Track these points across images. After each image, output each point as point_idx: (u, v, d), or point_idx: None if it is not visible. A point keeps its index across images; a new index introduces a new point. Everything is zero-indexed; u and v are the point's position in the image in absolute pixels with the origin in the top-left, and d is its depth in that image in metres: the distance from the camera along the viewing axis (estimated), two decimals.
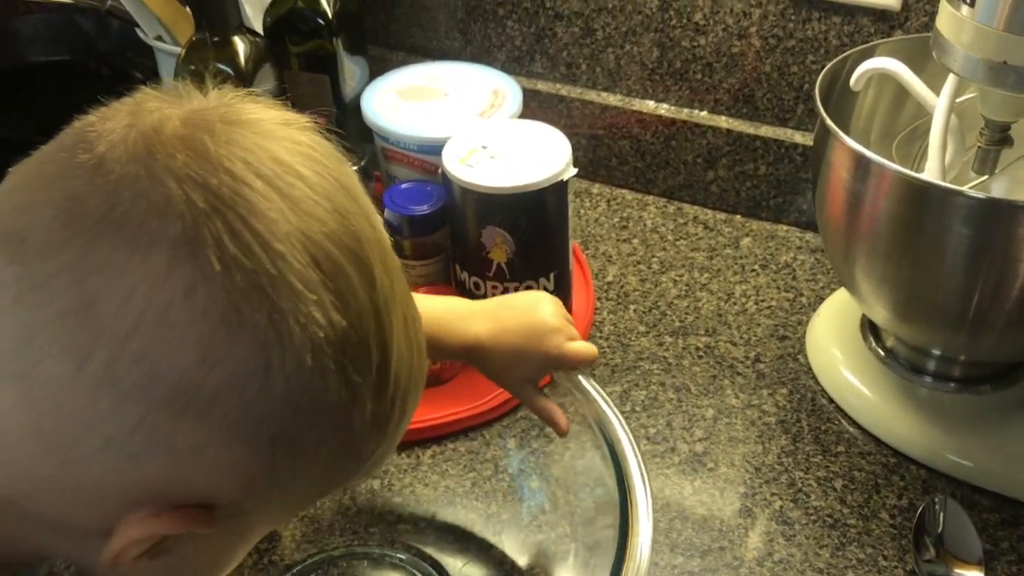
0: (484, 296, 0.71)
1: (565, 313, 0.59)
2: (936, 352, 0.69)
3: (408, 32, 0.97)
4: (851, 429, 0.69)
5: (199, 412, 0.33)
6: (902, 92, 0.65)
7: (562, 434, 0.58)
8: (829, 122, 0.61)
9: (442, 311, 0.56)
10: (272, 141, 0.35)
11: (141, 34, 0.84)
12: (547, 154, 0.68)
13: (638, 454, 0.54)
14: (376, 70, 0.85)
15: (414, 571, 0.60)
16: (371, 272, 0.36)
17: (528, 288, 0.71)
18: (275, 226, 0.33)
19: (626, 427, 0.55)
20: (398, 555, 0.60)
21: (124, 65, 1.03)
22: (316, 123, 0.39)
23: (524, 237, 0.68)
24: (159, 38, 0.82)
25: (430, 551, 0.61)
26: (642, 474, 0.52)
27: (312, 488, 0.40)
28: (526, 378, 0.58)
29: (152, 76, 0.90)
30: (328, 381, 0.34)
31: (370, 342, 0.36)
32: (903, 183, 0.58)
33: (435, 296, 0.59)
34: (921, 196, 0.58)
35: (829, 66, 0.65)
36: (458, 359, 0.61)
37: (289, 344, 0.33)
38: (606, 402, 0.56)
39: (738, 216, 0.89)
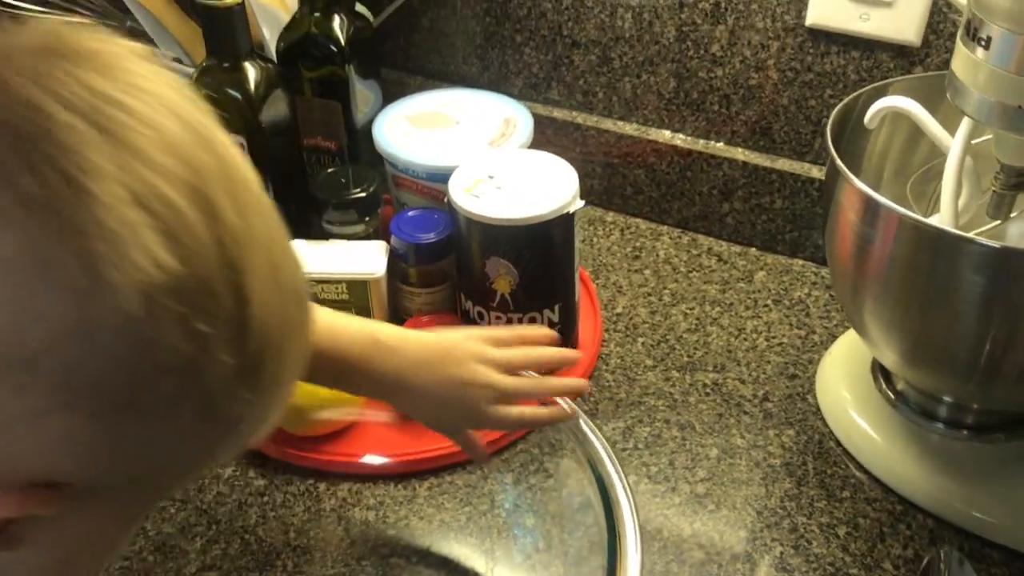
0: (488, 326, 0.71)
1: (500, 356, 0.56)
2: (947, 399, 0.67)
3: (427, 57, 0.97)
4: (858, 474, 0.67)
5: (20, 378, 0.29)
6: (917, 130, 0.64)
7: (483, 461, 0.56)
8: (839, 162, 0.60)
9: (364, 343, 0.53)
10: (99, 73, 0.31)
11: (160, 55, 0.84)
12: (554, 186, 0.68)
13: (630, 496, 0.53)
14: (394, 93, 0.85)
15: None
16: (213, 208, 0.32)
17: (532, 320, 0.70)
18: (85, 162, 0.29)
19: (619, 467, 0.54)
20: None
21: None
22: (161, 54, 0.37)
23: (528, 268, 0.68)
24: (177, 60, 0.83)
25: None
26: (633, 517, 0.51)
27: (181, 459, 0.35)
28: (452, 429, 0.57)
29: None
30: (165, 333, 0.30)
31: (216, 286, 0.32)
32: (912, 228, 0.57)
33: (356, 320, 0.56)
34: (931, 242, 0.57)
35: (842, 104, 0.64)
36: (375, 397, 0.58)
37: (109, 293, 0.29)
38: (599, 440, 0.55)
39: (753, 249, 0.88)
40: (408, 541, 0.63)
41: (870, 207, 0.59)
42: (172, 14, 0.81)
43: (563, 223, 0.67)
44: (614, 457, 0.55)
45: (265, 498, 0.66)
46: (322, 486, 0.67)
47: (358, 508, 0.65)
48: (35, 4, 0.83)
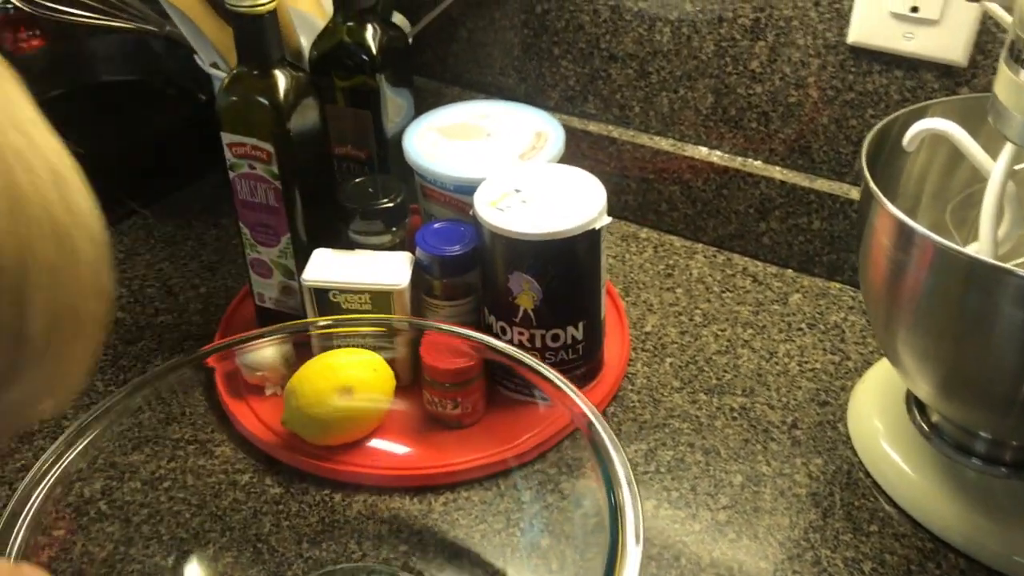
0: (511, 342, 0.70)
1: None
2: (984, 434, 0.64)
3: (464, 68, 0.96)
4: (887, 507, 0.65)
5: None
6: (957, 154, 0.61)
7: None
8: (872, 185, 0.58)
9: None
10: None
11: (199, 60, 0.85)
12: (581, 201, 0.67)
13: (640, 523, 0.51)
14: (431, 103, 0.85)
15: None
16: None
17: (555, 336, 0.69)
18: None
19: (635, 493, 0.53)
20: None
21: (189, 86, 1.05)
22: None
23: (552, 285, 0.67)
24: (215, 65, 0.83)
25: None
26: (637, 550, 0.50)
27: None
28: None
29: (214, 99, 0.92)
30: None
31: None
32: (946, 256, 0.55)
33: None
34: (966, 271, 0.55)
35: (879, 125, 0.62)
36: None
37: None
38: (622, 463, 0.54)
39: (789, 271, 0.86)
40: (420, 556, 0.62)
41: (904, 233, 0.57)
42: (210, 20, 0.81)
43: (589, 239, 0.66)
44: (631, 478, 0.53)
45: (280, 507, 0.66)
46: (337, 496, 0.66)
47: (372, 521, 0.65)
48: (75, 8, 0.84)
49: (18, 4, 0.85)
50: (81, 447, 0.58)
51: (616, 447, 0.55)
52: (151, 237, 0.93)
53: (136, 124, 1.10)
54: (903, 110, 0.62)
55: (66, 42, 1.17)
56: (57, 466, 0.57)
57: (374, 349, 0.69)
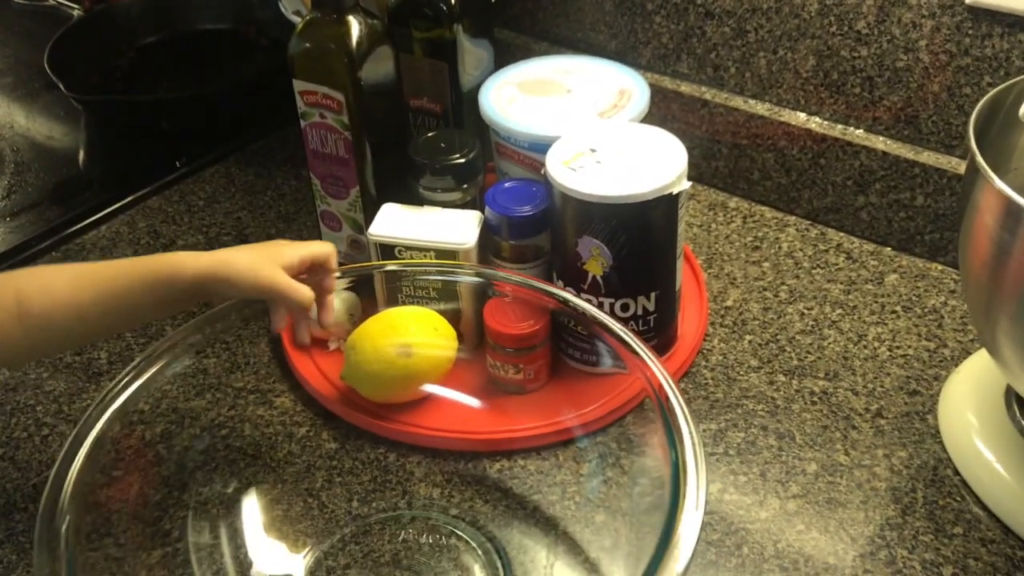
0: None
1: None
2: None
3: (553, 22, 0.93)
4: (975, 509, 0.60)
5: None
6: None
7: (307, 303, 0.60)
8: (979, 157, 0.53)
9: (157, 258, 0.57)
10: None
11: (283, 8, 0.84)
12: (659, 164, 0.63)
13: (701, 506, 0.48)
14: (519, 59, 0.80)
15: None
16: None
17: (625, 306, 0.66)
18: None
19: (702, 477, 0.49)
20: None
21: (279, 36, 1.05)
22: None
23: (623, 251, 0.63)
24: (298, 13, 0.82)
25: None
26: (696, 533, 0.47)
27: None
28: (272, 272, 0.59)
29: None
30: None
31: None
32: None
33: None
34: None
35: (991, 93, 0.56)
36: (193, 287, 0.58)
37: None
38: (693, 444, 0.50)
39: (888, 249, 0.80)
40: (470, 523, 0.60)
41: (1011, 212, 0.51)
42: None
43: (665, 205, 0.62)
44: (701, 463, 0.50)
45: (334, 462, 0.65)
46: (392, 456, 0.65)
47: (424, 483, 0.63)
48: None
49: None
50: (143, 381, 0.58)
51: (683, 408, 0.51)
52: (232, 185, 0.93)
53: (227, 72, 1.10)
54: (1018, 78, 0.56)
55: None
56: (121, 396, 0.57)
57: (439, 307, 0.68)
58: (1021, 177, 0.61)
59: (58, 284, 0.55)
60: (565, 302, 0.62)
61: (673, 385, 0.53)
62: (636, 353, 0.56)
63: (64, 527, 0.49)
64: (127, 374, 0.58)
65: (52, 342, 0.60)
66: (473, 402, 0.67)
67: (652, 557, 0.45)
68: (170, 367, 0.60)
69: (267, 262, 0.59)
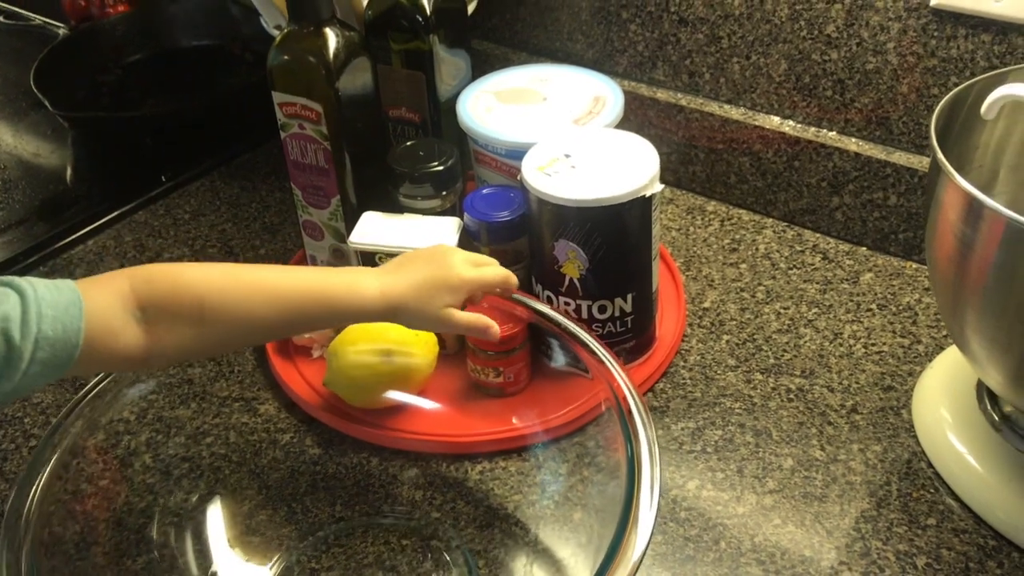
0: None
1: (472, 255, 0.59)
2: None
3: (531, 33, 0.94)
4: (948, 500, 0.61)
5: None
6: None
7: (495, 338, 0.59)
8: (940, 155, 0.54)
9: (336, 282, 0.55)
10: None
11: (263, 23, 0.85)
12: (632, 167, 0.64)
13: (654, 503, 0.49)
14: (498, 68, 0.82)
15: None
16: None
17: (602, 308, 0.67)
18: None
19: (656, 475, 0.51)
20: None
21: (264, 51, 1.06)
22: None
23: (599, 254, 0.64)
24: (279, 28, 0.83)
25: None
26: (649, 531, 0.48)
27: None
28: (446, 305, 0.56)
29: None
30: None
31: None
32: (1018, 232, 0.51)
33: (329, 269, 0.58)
34: None
35: (952, 93, 0.57)
36: (372, 318, 0.58)
37: None
38: (649, 444, 0.52)
39: (863, 248, 0.82)
40: (452, 524, 0.61)
41: (972, 207, 0.53)
42: None
43: (638, 207, 0.63)
44: (655, 462, 0.51)
45: (318, 467, 0.66)
46: (374, 461, 0.66)
47: (407, 487, 0.64)
48: None
49: None
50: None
51: (641, 410, 0.53)
52: (217, 198, 0.94)
53: (212, 87, 1.11)
54: (979, 77, 0.58)
55: (150, 8, 1.19)
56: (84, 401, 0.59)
57: None
58: (985, 174, 0.62)
59: (236, 297, 0.52)
60: (537, 311, 0.63)
61: (632, 388, 0.55)
62: (597, 357, 0.58)
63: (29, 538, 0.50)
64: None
65: (216, 349, 0.62)
66: (454, 406, 0.68)
67: (606, 555, 0.46)
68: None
69: (435, 298, 0.56)
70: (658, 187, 0.64)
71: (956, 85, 0.72)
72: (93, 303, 0.47)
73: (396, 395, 0.67)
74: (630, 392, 0.55)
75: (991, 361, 0.58)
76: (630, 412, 0.53)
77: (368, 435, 0.67)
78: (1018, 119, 0.60)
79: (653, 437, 0.52)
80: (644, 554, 0.46)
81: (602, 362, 0.58)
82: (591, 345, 0.59)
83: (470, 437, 0.66)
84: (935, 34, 0.72)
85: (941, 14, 0.71)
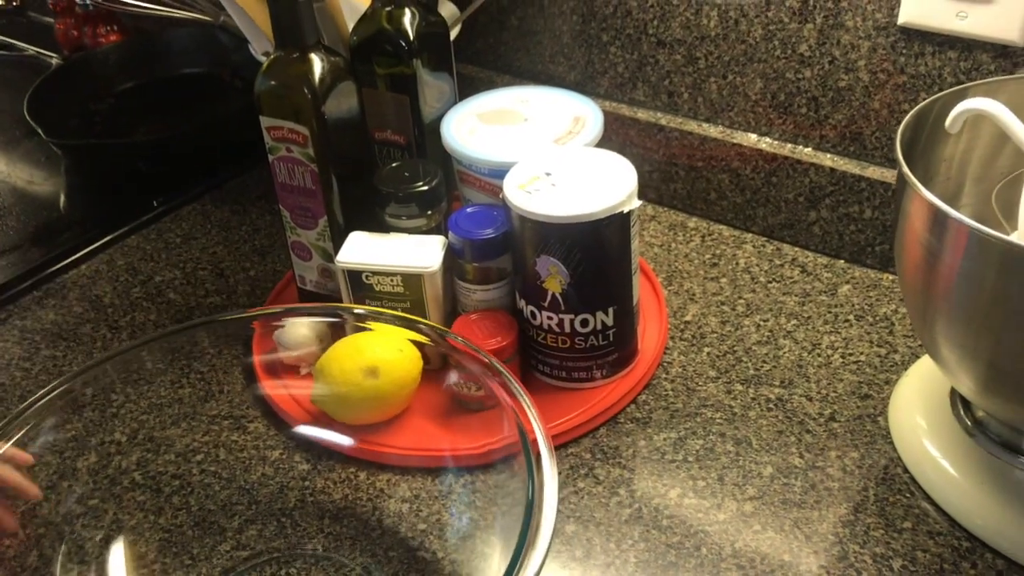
0: (540, 326, 0.69)
1: None
2: None
3: (515, 56, 0.96)
4: (923, 504, 0.63)
5: None
6: (1000, 137, 0.58)
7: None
8: (904, 168, 0.56)
9: None
10: None
11: (252, 49, 0.87)
12: (610, 184, 0.66)
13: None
14: (483, 91, 0.84)
15: None
16: None
17: (585, 322, 0.69)
18: None
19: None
20: None
21: (253, 78, 1.08)
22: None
23: (579, 268, 0.66)
24: (267, 54, 0.85)
25: None
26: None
27: None
28: None
29: None
30: None
31: None
32: (980, 241, 0.52)
33: None
34: (1002, 257, 0.52)
35: (916, 109, 0.59)
36: None
37: None
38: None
39: (840, 261, 0.83)
40: (437, 536, 0.63)
41: (937, 218, 0.54)
42: (262, 10, 0.83)
43: (617, 223, 0.65)
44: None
45: (306, 483, 0.67)
46: (362, 475, 0.67)
47: (393, 500, 0.65)
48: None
49: None
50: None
51: (547, 448, 0.55)
52: (208, 222, 0.96)
53: (202, 114, 1.13)
54: (941, 93, 0.60)
55: (141, 37, 1.22)
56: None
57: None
58: (951, 187, 0.64)
59: None
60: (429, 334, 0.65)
61: (532, 409, 0.57)
62: (509, 390, 0.59)
63: None
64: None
65: None
66: (438, 421, 0.70)
67: None
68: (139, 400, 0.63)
69: None
70: (636, 203, 0.66)
71: (925, 100, 0.75)
72: None
73: (382, 410, 0.69)
74: (527, 407, 0.57)
75: (961, 367, 0.59)
76: (539, 456, 0.55)
77: (355, 450, 0.68)
78: (981, 133, 0.62)
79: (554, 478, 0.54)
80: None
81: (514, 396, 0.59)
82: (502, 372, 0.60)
83: (453, 451, 0.67)
84: (903, 52, 0.74)
85: (909, 32, 0.73)
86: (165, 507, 0.65)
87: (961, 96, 0.59)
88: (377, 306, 0.71)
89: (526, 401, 0.58)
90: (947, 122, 0.59)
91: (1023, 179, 0.60)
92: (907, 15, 0.72)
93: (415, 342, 0.68)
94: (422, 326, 0.65)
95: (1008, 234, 0.55)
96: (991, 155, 0.62)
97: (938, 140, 0.61)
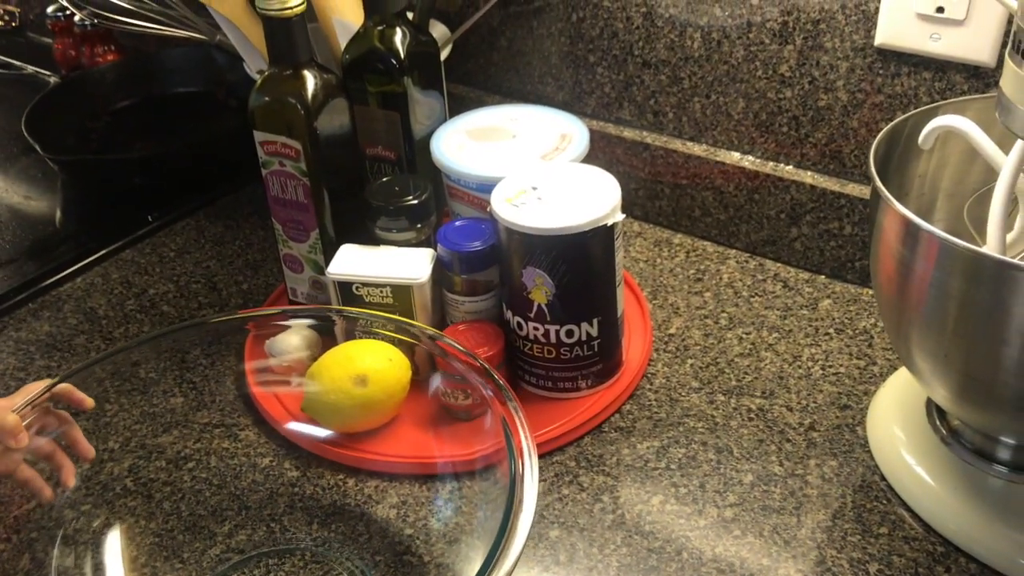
0: (527, 337, 0.71)
1: None
2: (1007, 439, 0.63)
3: (504, 76, 0.99)
4: (900, 511, 0.64)
5: None
6: (971, 153, 0.60)
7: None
8: (878, 183, 0.58)
9: None
10: None
11: (247, 68, 0.89)
12: (595, 198, 0.68)
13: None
14: (472, 110, 0.86)
15: None
16: None
17: (570, 332, 0.70)
18: None
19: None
20: None
21: (247, 97, 1.10)
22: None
23: (564, 280, 0.68)
24: (261, 72, 0.87)
25: None
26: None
27: None
28: None
29: None
30: None
31: None
32: (951, 252, 0.54)
33: None
34: (972, 267, 0.54)
35: (889, 126, 0.61)
36: None
37: None
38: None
39: (822, 276, 0.85)
40: (423, 541, 0.64)
41: (910, 230, 0.56)
42: (257, 29, 0.85)
43: (601, 236, 0.67)
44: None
45: (296, 489, 0.68)
46: (351, 482, 0.68)
47: (381, 506, 0.66)
48: (131, 18, 0.90)
49: (67, 5, 0.90)
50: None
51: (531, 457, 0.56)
52: (202, 237, 0.97)
53: (197, 131, 1.15)
54: (913, 111, 0.62)
55: (138, 56, 1.24)
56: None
57: (396, 340, 0.71)
58: (925, 202, 0.66)
59: None
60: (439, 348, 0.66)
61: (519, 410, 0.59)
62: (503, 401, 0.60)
63: None
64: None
65: None
66: (426, 429, 0.71)
67: None
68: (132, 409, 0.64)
69: None
70: (619, 216, 0.68)
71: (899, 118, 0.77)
72: None
73: (371, 418, 0.70)
74: (514, 409, 0.59)
75: (936, 376, 0.61)
76: (523, 456, 0.56)
77: (344, 457, 0.69)
78: (952, 149, 0.64)
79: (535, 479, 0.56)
80: None
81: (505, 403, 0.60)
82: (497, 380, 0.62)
83: (440, 458, 0.68)
84: (880, 72, 0.76)
85: (885, 53, 0.75)
86: (156, 512, 0.66)
87: (932, 114, 0.61)
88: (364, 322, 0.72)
89: (513, 405, 0.59)
90: (920, 138, 0.61)
91: (992, 194, 0.62)
92: (883, 37, 0.74)
93: (406, 349, 0.69)
94: (414, 329, 0.67)
95: (979, 247, 0.56)
96: (962, 171, 0.64)
97: (911, 157, 0.63)
